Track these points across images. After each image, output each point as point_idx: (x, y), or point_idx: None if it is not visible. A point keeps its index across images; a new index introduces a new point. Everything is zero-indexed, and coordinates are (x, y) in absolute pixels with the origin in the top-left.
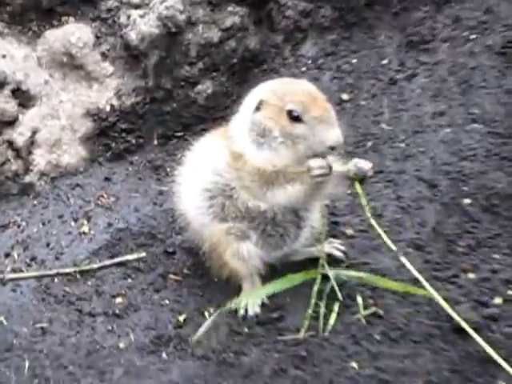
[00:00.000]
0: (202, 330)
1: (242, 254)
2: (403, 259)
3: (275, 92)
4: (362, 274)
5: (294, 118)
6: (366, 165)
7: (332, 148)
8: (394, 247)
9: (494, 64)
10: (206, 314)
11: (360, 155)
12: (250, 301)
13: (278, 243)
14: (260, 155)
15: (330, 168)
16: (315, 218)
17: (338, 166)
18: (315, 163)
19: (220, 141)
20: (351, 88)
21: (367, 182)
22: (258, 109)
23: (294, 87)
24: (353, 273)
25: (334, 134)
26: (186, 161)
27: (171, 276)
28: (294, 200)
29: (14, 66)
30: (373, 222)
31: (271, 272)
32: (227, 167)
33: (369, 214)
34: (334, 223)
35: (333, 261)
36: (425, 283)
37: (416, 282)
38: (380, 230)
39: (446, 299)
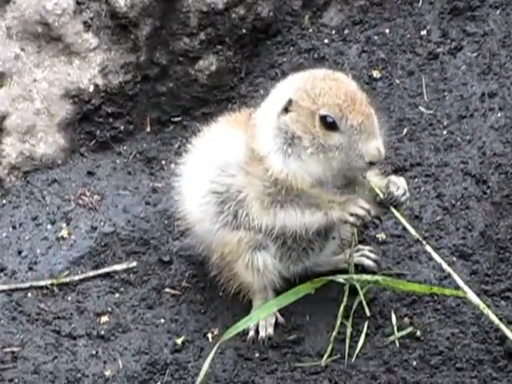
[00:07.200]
0: (206, 365)
1: (257, 264)
2: (429, 249)
3: (307, 91)
4: (377, 278)
5: (329, 125)
6: (400, 185)
7: (372, 163)
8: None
9: None
10: (209, 335)
11: (394, 145)
12: (262, 320)
13: (299, 257)
14: (285, 167)
15: (370, 214)
16: (344, 227)
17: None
18: (355, 205)
19: (235, 132)
20: (383, 64)
21: (402, 207)
22: (285, 110)
23: (329, 85)
24: (367, 276)
25: (374, 146)
26: (192, 151)
27: (167, 290)
28: (306, 228)
29: None
30: (429, 249)
31: (287, 287)
32: (242, 169)
33: (424, 242)
34: (363, 226)
35: (362, 272)
36: (472, 295)
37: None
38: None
39: (496, 317)
